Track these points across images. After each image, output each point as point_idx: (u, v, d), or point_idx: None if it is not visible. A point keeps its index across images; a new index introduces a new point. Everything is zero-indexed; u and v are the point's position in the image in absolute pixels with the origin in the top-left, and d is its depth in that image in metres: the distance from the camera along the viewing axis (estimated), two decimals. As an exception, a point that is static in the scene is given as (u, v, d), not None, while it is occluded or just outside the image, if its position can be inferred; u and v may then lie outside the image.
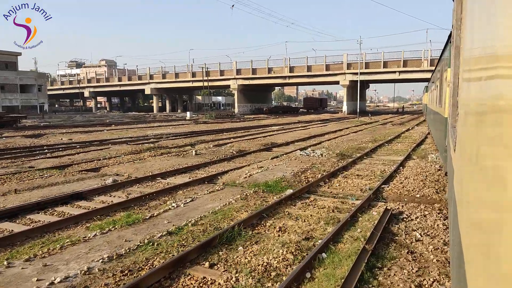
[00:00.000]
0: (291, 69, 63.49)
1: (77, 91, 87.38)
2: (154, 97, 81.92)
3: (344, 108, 64.47)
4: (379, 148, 16.54)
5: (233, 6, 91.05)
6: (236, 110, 70.24)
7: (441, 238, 5.48)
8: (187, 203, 7.61)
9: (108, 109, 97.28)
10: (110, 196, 8.33)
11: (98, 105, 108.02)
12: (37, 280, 4.32)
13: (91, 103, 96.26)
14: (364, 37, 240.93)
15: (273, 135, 23.59)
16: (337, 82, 62.38)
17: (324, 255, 4.91)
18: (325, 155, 13.29)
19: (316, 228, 6.06)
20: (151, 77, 77.47)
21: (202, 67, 60.72)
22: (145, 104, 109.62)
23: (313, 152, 13.61)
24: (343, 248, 5.16)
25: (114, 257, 4.91)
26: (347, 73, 59.02)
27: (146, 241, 5.45)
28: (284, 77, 64.28)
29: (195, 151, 14.24)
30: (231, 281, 4.25)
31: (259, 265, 4.63)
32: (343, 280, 4.07)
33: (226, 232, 5.49)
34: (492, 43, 1.02)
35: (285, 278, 4.22)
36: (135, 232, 5.94)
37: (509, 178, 0.75)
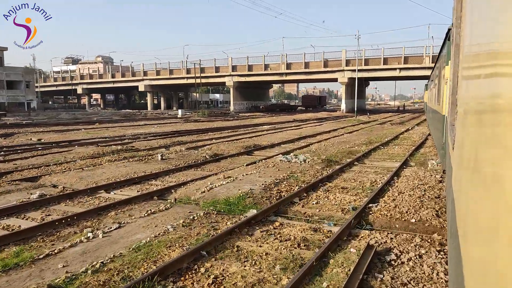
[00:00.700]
0: (288, 66, 61.27)
1: (69, 87, 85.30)
2: (149, 94, 79.58)
3: (343, 106, 62.33)
4: (373, 151, 14.76)
5: None
6: (231, 108, 67.84)
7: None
8: (110, 231, 5.81)
9: (102, 106, 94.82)
10: (22, 219, 6.55)
11: (94, 102, 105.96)
12: None
13: (85, 100, 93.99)
14: (364, 33, 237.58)
15: (261, 135, 21.76)
16: (335, 79, 60.16)
17: None
18: (308, 161, 11.48)
19: (267, 279, 4.28)
20: (145, 73, 75.26)
21: (195, 63, 58.63)
22: (141, 101, 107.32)
23: (295, 158, 11.80)
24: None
25: None
26: (345, 70, 56.80)
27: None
28: (281, 74, 62.07)
29: (161, 155, 12.44)
30: None
31: None
32: None
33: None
34: (491, 41, 1.02)
35: None
36: (6, 285, 4.17)
37: (508, 176, 0.75)
